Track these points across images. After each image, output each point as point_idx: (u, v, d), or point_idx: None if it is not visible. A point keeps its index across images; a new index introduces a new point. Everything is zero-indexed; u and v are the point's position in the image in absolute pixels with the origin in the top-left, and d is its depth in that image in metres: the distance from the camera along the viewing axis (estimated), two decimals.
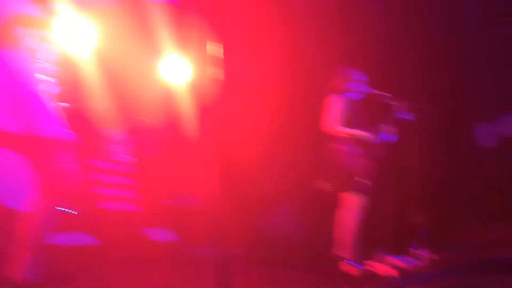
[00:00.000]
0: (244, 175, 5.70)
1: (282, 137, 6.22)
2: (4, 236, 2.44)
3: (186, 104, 6.02)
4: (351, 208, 4.00)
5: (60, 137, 2.12)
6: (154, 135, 6.15)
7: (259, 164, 6.01)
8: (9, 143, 2.08)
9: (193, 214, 5.76)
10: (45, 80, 2.20)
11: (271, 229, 5.88)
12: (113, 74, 5.15)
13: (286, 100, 6.07)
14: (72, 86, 5.84)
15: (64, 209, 2.19)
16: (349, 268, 3.88)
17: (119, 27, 5.25)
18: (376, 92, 4.20)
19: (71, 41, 5.77)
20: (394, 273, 3.53)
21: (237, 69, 5.42)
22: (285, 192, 6.07)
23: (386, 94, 4.16)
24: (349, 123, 4.07)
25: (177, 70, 6.18)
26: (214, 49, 2.35)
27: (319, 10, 6.28)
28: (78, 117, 5.15)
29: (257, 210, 5.96)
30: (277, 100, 6.06)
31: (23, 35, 2.13)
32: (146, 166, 5.95)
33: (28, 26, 2.11)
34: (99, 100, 5.20)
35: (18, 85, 2.06)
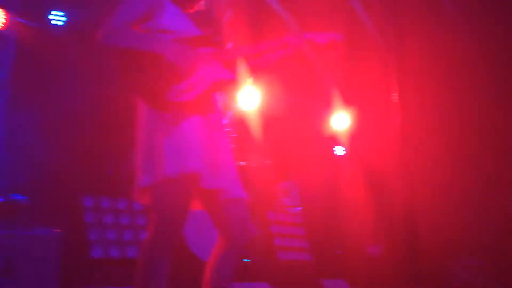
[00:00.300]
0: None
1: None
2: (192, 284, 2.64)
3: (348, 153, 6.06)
4: None
5: (241, 196, 2.26)
6: (319, 182, 6.24)
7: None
8: (205, 201, 2.28)
9: (368, 263, 5.58)
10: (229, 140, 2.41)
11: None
12: (281, 128, 5.45)
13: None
14: (244, 144, 6.42)
15: (244, 260, 2.34)
16: None
17: (286, 83, 5.59)
18: None
19: (244, 99, 6.46)
20: None
21: None
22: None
23: None
24: None
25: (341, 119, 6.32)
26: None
27: None
28: (253, 173, 5.55)
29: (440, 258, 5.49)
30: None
31: (219, 100, 2.36)
32: (315, 214, 6.03)
33: (223, 91, 2.33)
34: (269, 155, 5.54)
35: (220, 147, 2.25)
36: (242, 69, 2.35)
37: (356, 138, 6.97)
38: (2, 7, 5.01)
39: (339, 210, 6.18)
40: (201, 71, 2.14)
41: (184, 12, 2.30)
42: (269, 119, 6.39)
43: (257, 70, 2.41)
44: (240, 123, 6.50)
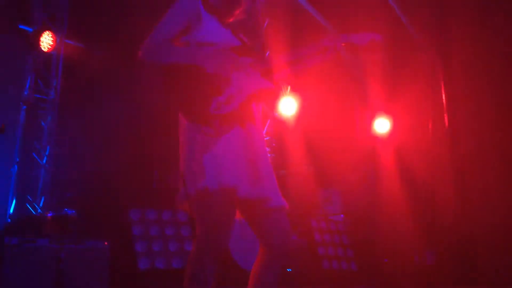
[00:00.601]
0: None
1: None
2: None
3: (391, 159, 5.93)
4: None
5: (281, 205, 2.27)
6: (360, 190, 6.15)
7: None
8: (246, 210, 2.31)
9: (417, 272, 5.42)
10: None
11: None
12: (321, 135, 5.42)
13: None
14: (283, 153, 6.42)
15: (287, 269, 2.33)
16: None
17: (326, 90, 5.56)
18: None
19: (282, 107, 6.50)
20: None
21: None
22: None
23: None
24: None
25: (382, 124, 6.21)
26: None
27: None
28: (293, 181, 5.54)
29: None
30: None
31: (258, 109, 2.38)
32: (358, 222, 5.94)
33: (263, 100, 2.35)
34: (310, 163, 5.51)
35: (259, 156, 2.26)
36: (281, 77, 2.35)
37: (399, 143, 6.82)
38: (50, 30, 5.26)
39: (383, 217, 6.04)
40: (240, 82, 2.16)
41: (222, 22, 2.32)
42: (308, 126, 6.37)
43: (296, 76, 2.40)
44: (279, 131, 6.51)
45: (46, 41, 5.18)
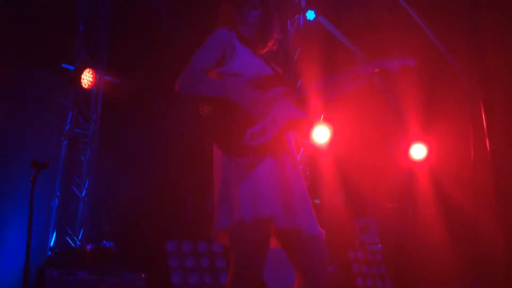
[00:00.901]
0: None
1: None
2: None
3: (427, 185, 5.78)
4: None
5: (317, 234, 2.24)
6: (399, 218, 5.99)
7: None
8: (282, 239, 2.25)
9: None
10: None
11: None
12: (355, 164, 5.36)
13: None
14: (317, 182, 6.37)
15: None
16: None
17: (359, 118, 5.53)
18: None
19: (316, 136, 6.49)
20: None
21: None
22: None
23: None
24: None
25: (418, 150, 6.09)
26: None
27: None
28: (328, 210, 5.47)
29: None
30: None
31: (291, 138, 2.38)
32: (396, 251, 5.77)
33: (296, 130, 2.33)
34: (344, 191, 5.43)
35: (294, 186, 2.24)
36: (314, 105, 2.34)
37: (438, 170, 6.66)
38: (90, 67, 5.49)
39: (422, 247, 5.85)
40: (273, 112, 2.16)
41: (255, 53, 2.36)
42: (342, 154, 6.32)
43: (329, 104, 2.40)
44: (313, 159, 6.47)
45: (87, 78, 5.39)
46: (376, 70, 2.30)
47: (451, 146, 6.42)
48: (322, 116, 6.33)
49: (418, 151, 6.94)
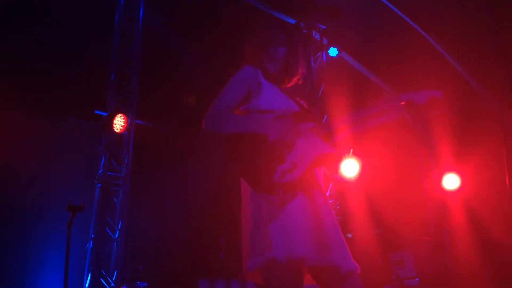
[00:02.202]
0: None
1: None
2: None
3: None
4: None
5: (352, 269, 2.16)
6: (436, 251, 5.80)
7: None
8: (317, 277, 2.20)
9: None
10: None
11: None
12: (386, 197, 5.29)
13: None
14: (348, 216, 6.28)
15: None
16: None
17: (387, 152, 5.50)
18: None
19: (347, 170, 6.45)
20: None
21: None
22: None
23: None
24: None
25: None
26: None
27: None
28: (362, 245, 5.36)
29: None
30: None
31: (320, 173, 2.36)
32: (434, 285, 5.56)
33: (325, 165, 2.35)
34: (377, 225, 5.33)
35: (326, 221, 2.21)
36: (342, 140, 2.34)
37: (472, 200, 6.48)
38: (122, 112, 5.69)
39: (460, 280, 5.61)
40: (302, 148, 2.15)
41: (280, 89, 2.38)
42: (373, 187, 6.24)
43: (358, 138, 2.39)
44: (343, 193, 6.41)
45: (119, 123, 5.56)
46: (403, 103, 2.28)
47: (485, 175, 6.26)
48: (351, 150, 6.31)
49: (451, 182, 6.79)
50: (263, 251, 2.07)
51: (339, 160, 2.17)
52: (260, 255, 2.08)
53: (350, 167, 6.35)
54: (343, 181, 6.44)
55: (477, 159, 6.30)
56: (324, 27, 7.47)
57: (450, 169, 6.79)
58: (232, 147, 2.20)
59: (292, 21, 7.51)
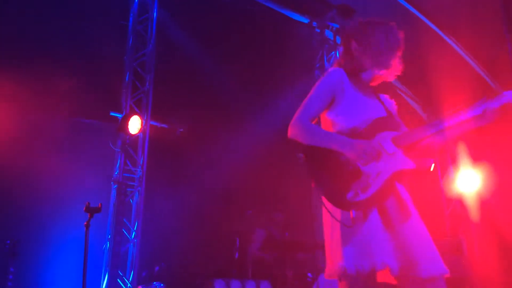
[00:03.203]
0: None
1: None
2: None
3: None
4: None
5: (439, 273, 2.09)
6: None
7: None
8: (405, 283, 2.13)
9: None
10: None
11: None
12: None
13: None
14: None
15: None
16: None
17: None
18: None
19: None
20: None
21: None
22: None
23: None
24: None
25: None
26: None
27: None
28: None
29: None
30: None
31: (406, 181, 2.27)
32: (453, 286, 5.47)
33: (404, 180, 2.22)
34: None
35: (407, 226, 2.14)
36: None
37: (489, 200, 6.36)
38: (137, 114, 5.74)
39: (479, 280, 5.51)
40: (377, 166, 2.11)
41: (364, 91, 2.31)
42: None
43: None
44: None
45: (134, 124, 5.61)
46: (498, 107, 2.09)
47: (503, 175, 6.14)
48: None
49: (469, 181, 6.68)
50: (335, 261, 2.08)
51: (420, 176, 2.07)
52: (333, 264, 2.10)
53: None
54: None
55: (495, 159, 6.20)
56: (337, 26, 7.43)
57: (468, 168, 6.67)
58: (311, 158, 2.19)
59: (306, 20, 7.49)
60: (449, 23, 6.37)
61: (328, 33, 7.65)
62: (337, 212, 2.10)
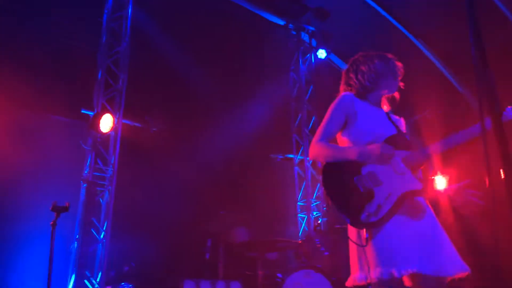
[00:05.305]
0: None
1: None
2: None
3: None
4: None
5: (463, 271, 2.22)
6: None
7: None
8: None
9: None
10: None
11: None
12: None
13: None
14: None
15: None
16: None
17: None
18: None
19: None
20: None
21: None
22: None
23: None
24: None
25: None
26: None
27: None
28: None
29: None
30: None
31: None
32: None
33: (416, 197, 2.32)
34: None
35: (430, 230, 2.26)
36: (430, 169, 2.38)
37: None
38: (109, 112, 5.65)
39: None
40: (389, 184, 2.24)
41: (372, 111, 2.49)
42: None
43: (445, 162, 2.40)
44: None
45: (105, 122, 5.51)
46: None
47: (469, 177, 6.28)
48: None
49: (440, 182, 6.81)
50: (371, 268, 2.18)
51: (427, 195, 2.20)
52: (356, 273, 2.25)
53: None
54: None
55: (463, 161, 6.33)
56: (313, 29, 7.49)
57: (438, 171, 6.80)
58: (327, 179, 2.35)
59: (282, 22, 7.51)
60: (421, 29, 6.50)
61: (304, 36, 7.70)
62: (353, 231, 2.26)
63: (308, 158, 7.20)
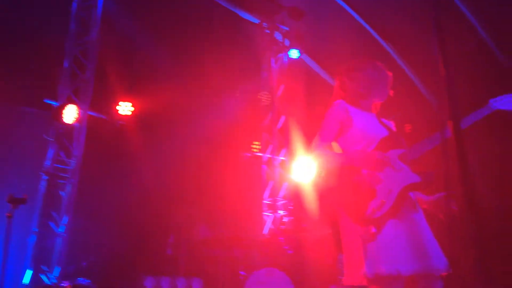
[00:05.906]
0: None
1: None
2: None
3: None
4: None
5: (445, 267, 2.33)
6: None
7: None
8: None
9: None
10: None
11: None
12: None
13: None
14: (301, 215, 6.29)
15: None
16: None
17: None
18: None
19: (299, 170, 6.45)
20: None
21: None
22: None
23: None
24: None
25: None
26: None
27: None
28: (312, 245, 5.36)
29: None
30: None
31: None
32: None
33: (414, 191, 2.45)
34: (327, 227, 5.35)
35: (419, 231, 2.35)
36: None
37: None
38: (74, 103, 5.51)
39: None
40: (390, 181, 2.35)
41: (365, 116, 2.58)
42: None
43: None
44: (297, 194, 6.42)
45: (70, 113, 5.38)
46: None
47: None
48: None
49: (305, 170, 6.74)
50: (356, 268, 2.28)
51: (426, 188, 2.35)
52: (354, 271, 2.31)
53: (304, 169, 6.38)
54: (297, 181, 6.47)
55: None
56: (287, 28, 7.49)
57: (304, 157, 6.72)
58: (330, 179, 2.44)
59: (256, 20, 7.49)
60: (392, 35, 6.57)
61: (277, 35, 7.70)
62: (358, 228, 2.34)
63: (276, 157, 7.22)
